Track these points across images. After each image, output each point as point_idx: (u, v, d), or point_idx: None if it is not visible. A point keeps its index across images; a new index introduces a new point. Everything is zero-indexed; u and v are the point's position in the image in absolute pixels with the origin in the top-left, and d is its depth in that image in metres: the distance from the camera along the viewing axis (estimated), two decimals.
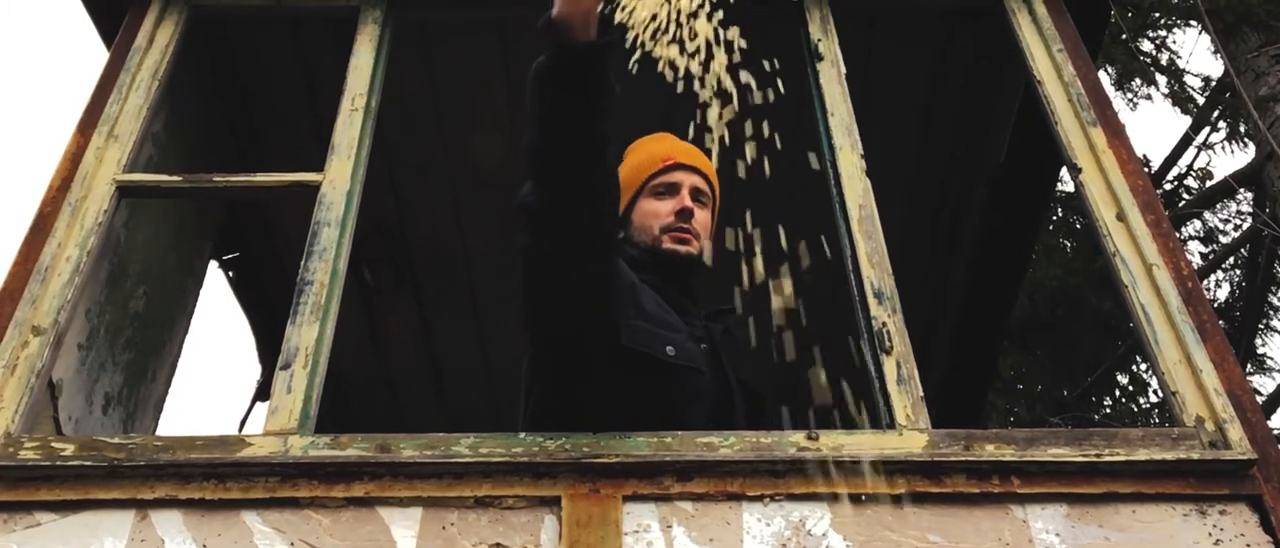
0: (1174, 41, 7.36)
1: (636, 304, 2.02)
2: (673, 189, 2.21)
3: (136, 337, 2.83)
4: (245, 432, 2.05)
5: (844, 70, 2.61)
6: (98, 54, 2.81)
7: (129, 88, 2.58)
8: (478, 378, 4.10)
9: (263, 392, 3.91)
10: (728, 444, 1.90)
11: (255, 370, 3.97)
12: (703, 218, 2.23)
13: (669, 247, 2.16)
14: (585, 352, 1.96)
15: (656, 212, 2.20)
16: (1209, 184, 7.45)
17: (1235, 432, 1.94)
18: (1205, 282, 7.36)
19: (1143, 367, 7.70)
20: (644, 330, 1.99)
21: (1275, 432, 2.10)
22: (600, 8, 1.73)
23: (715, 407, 2.05)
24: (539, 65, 1.78)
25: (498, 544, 1.81)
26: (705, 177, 2.26)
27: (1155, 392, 7.70)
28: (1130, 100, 7.56)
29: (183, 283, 3.14)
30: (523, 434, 1.94)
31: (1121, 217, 2.31)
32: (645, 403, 1.94)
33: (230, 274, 3.68)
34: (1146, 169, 7.23)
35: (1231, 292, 7.58)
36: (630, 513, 1.84)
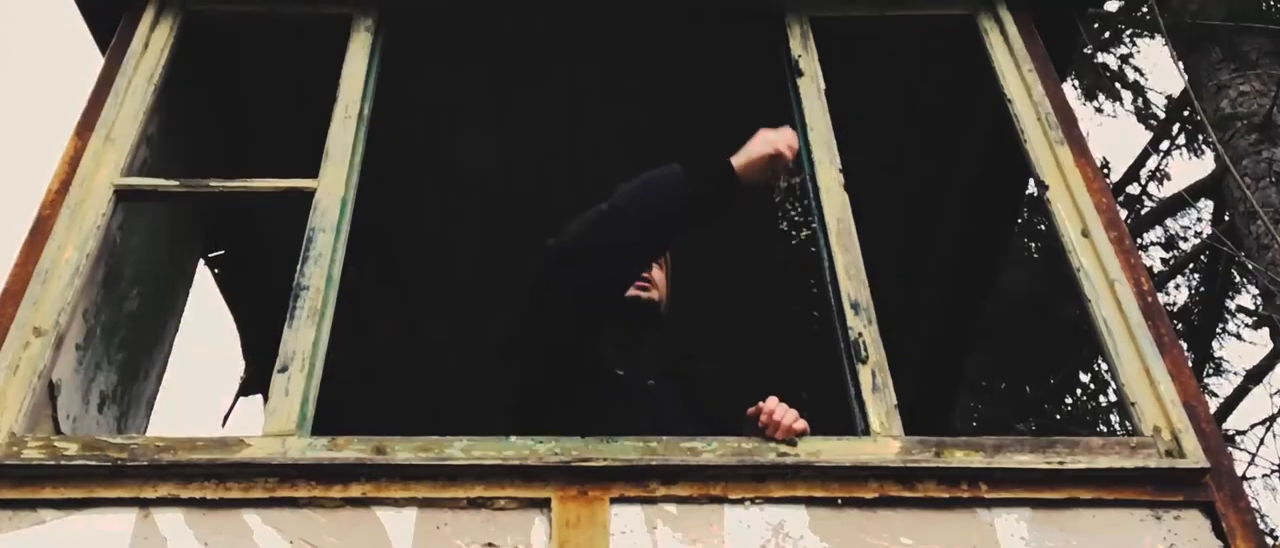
0: (1138, 53, 7.50)
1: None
2: None
3: (130, 336, 2.86)
4: (230, 427, 2.10)
5: (823, 86, 2.68)
6: (94, 57, 2.83)
7: (126, 92, 2.60)
8: (459, 377, 4.15)
9: (247, 386, 3.94)
10: (711, 449, 1.99)
11: (240, 365, 3.99)
12: (658, 277, 2.42)
13: (631, 293, 2.33)
14: (572, 366, 2.17)
15: None
16: (1171, 194, 7.61)
17: (1190, 442, 2.03)
18: (1166, 286, 7.52)
19: (1103, 366, 7.85)
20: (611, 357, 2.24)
21: (1229, 433, 2.20)
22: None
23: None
24: (692, 190, 2.12)
25: (490, 544, 1.88)
26: None
27: (1115, 391, 7.83)
28: (1097, 108, 7.71)
29: (174, 283, 3.17)
30: (514, 438, 2.01)
31: (1086, 233, 2.40)
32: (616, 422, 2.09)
33: (216, 271, 3.70)
34: (1106, 173, 7.37)
35: (1191, 295, 7.75)
36: (617, 515, 1.91)
